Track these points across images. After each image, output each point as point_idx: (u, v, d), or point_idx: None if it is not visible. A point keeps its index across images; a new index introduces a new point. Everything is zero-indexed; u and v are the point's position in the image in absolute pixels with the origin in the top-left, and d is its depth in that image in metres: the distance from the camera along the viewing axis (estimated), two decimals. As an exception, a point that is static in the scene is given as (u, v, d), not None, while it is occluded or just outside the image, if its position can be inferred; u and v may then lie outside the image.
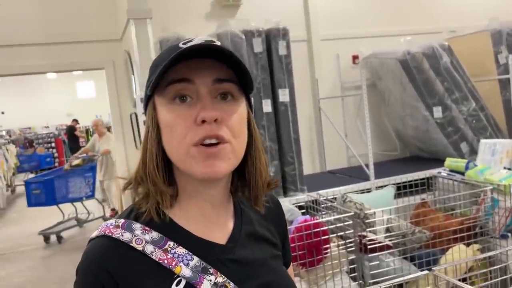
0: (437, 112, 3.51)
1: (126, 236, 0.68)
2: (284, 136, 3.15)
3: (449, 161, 2.48)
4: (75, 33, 3.99)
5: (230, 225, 0.77)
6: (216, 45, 0.67)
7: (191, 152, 0.67)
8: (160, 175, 0.69)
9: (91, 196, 5.85)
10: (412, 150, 4.25)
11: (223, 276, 0.69)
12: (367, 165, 3.27)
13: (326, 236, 1.84)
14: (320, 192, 2.47)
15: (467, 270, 1.89)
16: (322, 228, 1.82)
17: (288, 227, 1.92)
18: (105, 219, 5.60)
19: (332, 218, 1.91)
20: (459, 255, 2.00)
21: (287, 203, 2.29)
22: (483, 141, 2.46)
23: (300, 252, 1.78)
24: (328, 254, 1.86)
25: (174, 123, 0.67)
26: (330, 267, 1.87)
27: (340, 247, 1.90)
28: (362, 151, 3.50)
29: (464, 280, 1.98)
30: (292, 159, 3.20)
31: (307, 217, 1.96)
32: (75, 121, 11.84)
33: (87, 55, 4.06)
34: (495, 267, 1.59)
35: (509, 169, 2.23)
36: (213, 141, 0.67)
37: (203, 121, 0.66)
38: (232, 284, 0.69)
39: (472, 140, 3.56)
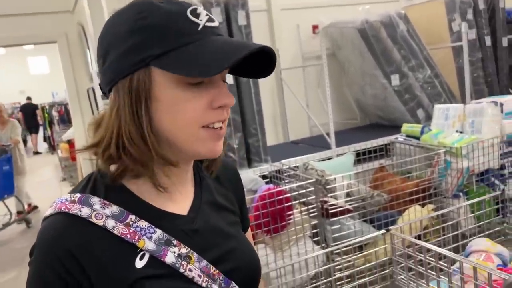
0: (395, 80, 3.60)
1: (85, 212, 0.66)
2: (246, 108, 3.16)
3: (406, 127, 2.57)
4: (24, 4, 3.79)
5: (191, 195, 0.77)
6: (271, 52, 0.67)
7: (201, 133, 0.67)
8: (150, 149, 0.66)
9: (11, 193, 5.00)
10: (371, 118, 4.36)
11: (186, 247, 0.69)
12: (328, 134, 3.34)
13: (289, 203, 1.89)
14: (283, 161, 2.51)
15: (422, 229, 2.00)
16: (285, 196, 1.86)
17: (252, 196, 1.96)
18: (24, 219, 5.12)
19: (294, 185, 1.95)
20: (415, 215, 2.11)
21: (251, 173, 2.32)
22: (437, 106, 2.56)
23: (264, 220, 1.82)
24: (292, 220, 1.91)
25: (186, 103, 0.65)
26: (293, 233, 1.92)
27: (303, 213, 1.96)
28: (324, 120, 3.56)
29: (419, 238, 2.09)
30: (255, 130, 3.22)
31: (271, 186, 2.00)
32: (29, 99, 11.40)
33: (37, 28, 3.87)
34: (447, 224, 1.69)
35: (460, 132, 2.34)
36: (220, 124, 0.69)
37: (219, 107, 0.67)
38: (195, 254, 0.70)
39: (427, 106, 3.68)
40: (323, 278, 1.93)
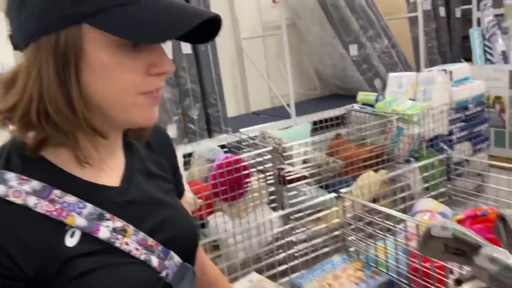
0: (353, 50, 3.65)
1: (0, 190, 0.58)
2: (206, 78, 3.13)
3: (361, 95, 2.63)
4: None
5: (122, 164, 0.73)
6: (219, 20, 0.64)
7: (138, 100, 0.63)
8: (78, 117, 0.60)
9: None
10: (331, 89, 4.42)
11: (121, 220, 0.66)
12: (288, 105, 3.37)
13: (247, 171, 1.91)
14: (242, 130, 2.53)
15: (375, 193, 2.08)
16: (242, 164, 1.88)
17: (210, 165, 1.97)
18: None
19: (252, 153, 1.97)
20: (369, 180, 2.18)
21: (210, 143, 2.32)
22: (391, 75, 2.62)
23: (222, 188, 1.83)
24: (249, 188, 1.94)
25: (122, 68, 0.60)
26: (251, 200, 1.95)
27: (261, 181, 1.99)
28: (284, 91, 3.58)
29: (373, 202, 2.18)
30: (215, 101, 3.20)
31: (229, 155, 2.01)
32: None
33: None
34: (397, 185, 1.77)
35: (413, 100, 2.42)
36: (158, 92, 0.65)
37: (158, 74, 0.63)
38: (131, 226, 0.66)
39: (384, 76, 3.76)
40: (279, 241, 1.98)
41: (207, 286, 0.93)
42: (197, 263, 0.83)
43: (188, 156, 2.21)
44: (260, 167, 2.01)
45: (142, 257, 0.66)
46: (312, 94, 4.40)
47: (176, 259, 0.73)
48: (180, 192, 0.87)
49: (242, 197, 1.93)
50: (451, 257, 0.51)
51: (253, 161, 1.98)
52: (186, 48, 3.02)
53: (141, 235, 0.68)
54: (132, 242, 0.66)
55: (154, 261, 0.68)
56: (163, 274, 0.69)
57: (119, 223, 0.65)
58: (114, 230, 0.64)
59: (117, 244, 0.64)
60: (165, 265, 0.70)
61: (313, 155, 2.16)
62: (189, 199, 1.70)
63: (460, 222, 1.41)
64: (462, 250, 0.48)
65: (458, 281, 0.53)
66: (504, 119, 3.28)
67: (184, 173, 1.90)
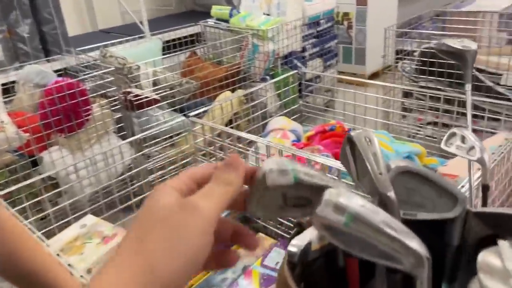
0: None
1: None
2: (34, -14, 2.60)
3: (215, 9, 2.45)
4: None
5: None
6: None
7: None
8: None
9: None
10: (187, 5, 4.13)
11: None
12: (141, 22, 3.05)
13: (85, 97, 1.65)
14: (81, 50, 2.18)
15: (233, 114, 2.01)
16: (78, 89, 1.61)
17: (37, 90, 1.65)
18: None
19: (89, 76, 1.70)
20: (225, 100, 2.09)
21: (38, 66, 1.95)
22: (244, -13, 2.47)
23: (54, 118, 1.56)
24: (91, 116, 1.70)
25: None
26: (94, 130, 1.72)
27: (104, 107, 1.75)
28: (136, 7, 3.21)
29: (231, 122, 2.12)
30: (50, 15, 2.71)
31: (60, 78, 1.70)
32: None
33: None
34: (254, 102, 1.71)
35: (267, 14, 2.32)
36: None
37: None
38: None
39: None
40: (133, 173, 1.82)
41: None
42: None
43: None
44: (103, 91, 1.76)
45: None
46: (167, 10, 4.05)
47: None
48: None
49: (82, 127, 1.69)
50: (291, 211, 0.38)
51: (92, 84, 1.72)
52: None
53: None
54: None
55: None
56: None
57: None
58: None
59: None
60: None
61: (164, 76, 1.97)
62: (11, 134, 1.41)
63: (310, 138, 1.40)
64: (305, 197, 0.36)
65: (299, 224, 0.45)
66: (351, 36, 3.44)
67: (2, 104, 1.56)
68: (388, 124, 2.01)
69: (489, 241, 0.38)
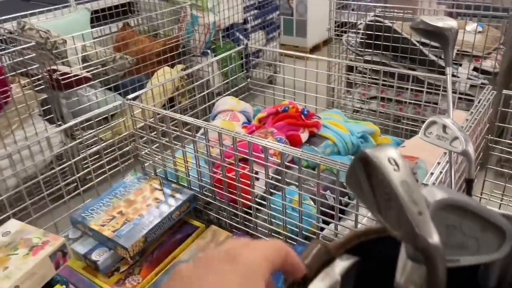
0: None
1: None
2: None
3: (149, -24, 2.24)
4: None
5: None
6: None
7: None
8: None
9: None
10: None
11: None
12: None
13: (2, 76, 1.43)
14: (0, 20, 1.90)
15: (175, 90, 1.86)
16: (-8, 67, 1.39)
17: None
18: None
19: (5, 52, 1.48)
20: (164, 77, 1.94)
21: None
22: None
23: (-35, 102, 1.34)
24: (10, 98, 1.48)
25: None
26: (15, 113, 1.51)
27: (26, 87, 1.54)
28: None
29: (171, 101, 1.97)
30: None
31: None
32: None
33: None
34: (198, 83, 1.58)
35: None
36: None
37: None
38: None
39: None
40: (64, 160, 1.64)
41: None
42: None
43: None
44: (23, 70, 1.54)
45: None
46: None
47: None
48: None
49: (1, 111, 1.47)
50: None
51: (10, 62, 1.50)
52: None
53: None
54: None
55: None
56: None
57: None
58: None
59: None
60: None
61: (94, 51, 1.76)
62: None
63: (262, 120, 1.31)
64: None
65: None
66: (292, 7, 3.35)
67: None
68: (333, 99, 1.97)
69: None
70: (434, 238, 0.27)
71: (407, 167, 0.28)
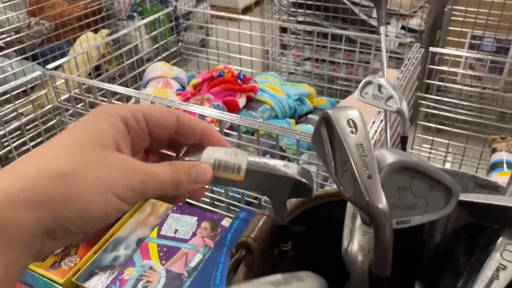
0: None
1: None
2: None
3: None
4: None
5: None
6: None
7: None
8: None
9: None
10: None
11: None
12: None
13: None
14: None
15: (101, 58, 1.75)
16: None
17: None
18: None
19: None
20: (88, 43, 1.81)
21: None
22: None
23: None
24: None
25: None
26: None
27: None
28: None
29: (98, 69, 1.85)
30: None
31: None
32: None
33: None
34: (125, 49, 1.48)
35: None
36: None
37: None
38: None
39: None
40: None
41: None
42: None
43: None
44: None
45: None
46: None
47: None
48: None
49: None
50: None
51: None
52: None
53: None
54: None
55: None
56: None
57: None
58: None
59: None
60: None
61: (6, 17, 1.60)
62: None
63: (197, 86, 1.27)
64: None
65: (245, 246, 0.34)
66: (222, -34, 3.23)
67: None
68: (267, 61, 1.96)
69: (462, 231, 0.32)
70: (382, 202, 0.26)
71: (365, 130, 0.27)
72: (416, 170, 0.29)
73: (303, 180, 0.32)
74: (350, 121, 0.28)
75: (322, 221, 0.36)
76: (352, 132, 0.27)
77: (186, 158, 0.35)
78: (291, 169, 0.32)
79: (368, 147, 0.27)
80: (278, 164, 0.32)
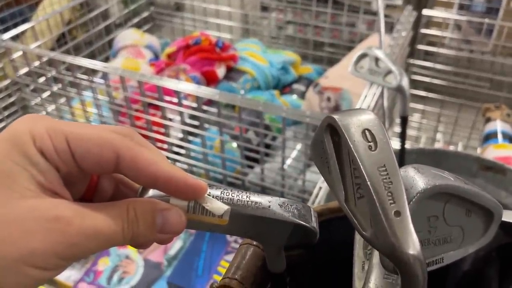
0: None
1: None
2: None
3: None
4: None
5: None
6: None
7: None
8: None
9: None
10: None
11: None
12: None
13: None
14: None
15: (65, 25, 1.61)
16: None
17: None
18: None
19: None
20: (53, 8, 1.66)
21: None
22: None
23: None
24: None
25: None
26: None
27: None
28: None
29: (64, 36, 1.71)
30: None
31: None
32: None
33: None
34: (93, 14, 1.36)
35: None
36: None
37: None
38: None
39: None
40: None
41: None
42: None
43: None
44: None
45: None
46: None
47: None
48: None
49: None
50: None
51: None
52: None
53: None
54: None
55: None
56: None
57: None
58: None
59: None
60: None
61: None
62: None
63: (171, 55, 1.17)
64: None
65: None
66: None
67: None
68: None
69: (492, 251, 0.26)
70: (415, 247, 0.19)
71: (388, 143, 0.19)
72: (452, 194, 0.22)
73: (306, 224, 0.25)
74: (366, 132, 0.19)
75: (323, 242, 0.29)
76: (370, 148, 0.19)
77: (151, 193, 0.26)
78: (289, 210, 0.25)
79: (394, 169, 0.19)
80: (273, 203, 0.25)
